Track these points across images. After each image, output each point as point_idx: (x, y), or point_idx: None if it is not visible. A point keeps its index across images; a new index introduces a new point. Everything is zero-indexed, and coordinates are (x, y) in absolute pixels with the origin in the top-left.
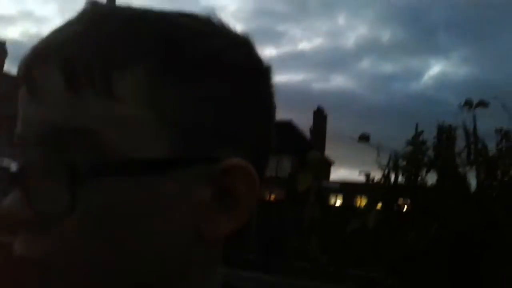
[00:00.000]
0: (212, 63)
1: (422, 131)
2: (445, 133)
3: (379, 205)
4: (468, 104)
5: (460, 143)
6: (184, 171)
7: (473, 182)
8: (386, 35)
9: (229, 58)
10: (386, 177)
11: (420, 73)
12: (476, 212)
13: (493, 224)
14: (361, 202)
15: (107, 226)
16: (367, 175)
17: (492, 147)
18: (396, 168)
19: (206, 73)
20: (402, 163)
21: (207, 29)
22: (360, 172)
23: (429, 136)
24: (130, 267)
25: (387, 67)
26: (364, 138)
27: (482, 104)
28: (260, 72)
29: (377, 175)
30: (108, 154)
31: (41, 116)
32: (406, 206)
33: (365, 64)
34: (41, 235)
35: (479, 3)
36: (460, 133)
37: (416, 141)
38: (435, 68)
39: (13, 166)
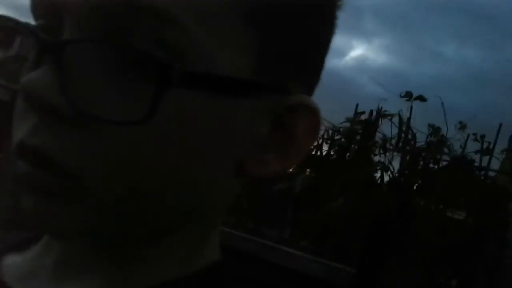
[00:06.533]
0: None
1: (363, 112)
2: (382, 118)
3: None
4: (408, 95)
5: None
6: (256, 98)
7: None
8: None
9: None
10: (319, 146)
11: (343, 52)
12: (394, 198)
13: (410, 212)
14: None
15: (170, 142)
16: None
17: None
18: (331, 140)
19: None
20: (337, 136)
21: None
22: None
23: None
24: (174, 190)
25: None
26: None
27: (421, 98)
28: (336, 4)
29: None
30: (199, 62)
31: None
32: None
33: None
34: (78, 135)
35: None
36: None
37: (355, 120)
38: (357, 51)
39: (42, 35)
